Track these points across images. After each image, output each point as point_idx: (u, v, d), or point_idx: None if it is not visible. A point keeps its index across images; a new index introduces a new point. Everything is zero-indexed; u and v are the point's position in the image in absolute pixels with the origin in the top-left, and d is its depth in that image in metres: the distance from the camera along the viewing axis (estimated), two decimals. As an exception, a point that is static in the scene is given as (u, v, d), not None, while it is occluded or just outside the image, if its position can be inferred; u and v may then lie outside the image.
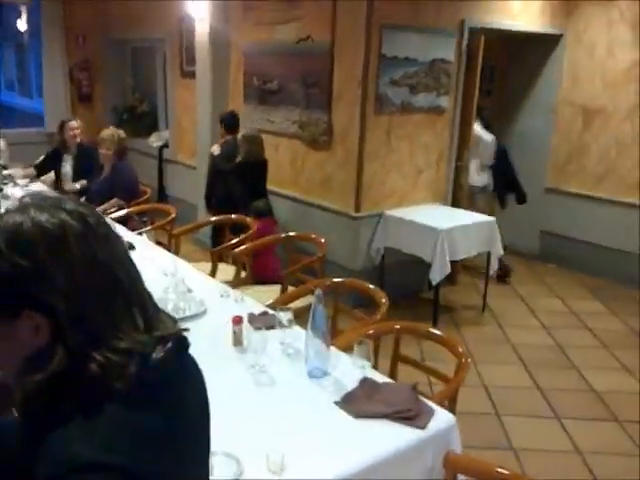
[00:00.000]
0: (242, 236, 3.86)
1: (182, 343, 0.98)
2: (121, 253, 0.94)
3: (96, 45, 7.92)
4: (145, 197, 4.85)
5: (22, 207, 0.87)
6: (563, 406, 3.41)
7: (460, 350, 2.27)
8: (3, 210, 3.02)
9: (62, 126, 5.16)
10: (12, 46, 14.64)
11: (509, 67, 6.15)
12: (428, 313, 4.46)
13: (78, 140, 5.17)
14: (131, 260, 0.96)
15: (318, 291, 2.06)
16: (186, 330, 1.01)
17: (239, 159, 4.77)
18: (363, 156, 4.55)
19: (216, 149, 5.03)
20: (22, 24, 11.76)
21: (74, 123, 5.13)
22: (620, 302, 4.95)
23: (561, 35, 5.67)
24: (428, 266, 4.41)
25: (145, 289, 0.97)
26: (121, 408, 0.84)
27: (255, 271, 3.76)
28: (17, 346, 0.86)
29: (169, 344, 0.92)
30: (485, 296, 4.78)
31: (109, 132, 4.67)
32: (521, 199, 5.45)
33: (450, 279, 4.77)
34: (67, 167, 5.26)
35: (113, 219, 4.05)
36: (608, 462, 2.92)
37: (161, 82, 7.58)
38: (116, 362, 0.84)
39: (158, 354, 0.89)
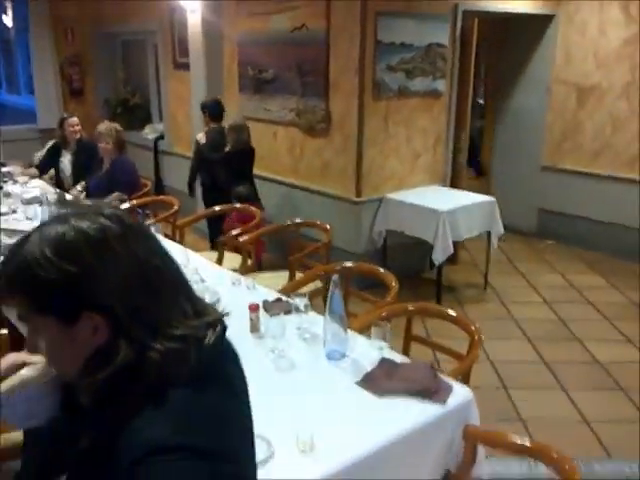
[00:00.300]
0: (249, 224, 3.91)
1: (224, 326, 1.05)
2: (158, 247, 0.99)
3: (85, 39, 7.89)
4: (145, 190, 4.88)
5: (62, 218, 0.92)
6: (568, 378, 3.50)
7: (472, 328, 2.34)
8: (4, 209, 3.04)
9: (62, 122, 5.16)
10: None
11: (503, 48, 6.18)
12: (431, 293, 4.54)
13: (78, 136, 5.17)
14: (168, 252, 1.01)
15: (335, 276, 2.12)
16: (227, 314, 1.07)
17: (227, 148, 4.84)
18: (362, 142, 4.60)
19: (202, 137, 5.07)
20: (8, 20, 11.67)
21: (74, 120, 5.14)
22: (619, 276, 5.04)
23: (553, 15, 5.70)
24: (429, 247, 4.48)
25: (186, 278, 1.03)
26: (185, 391, 0.90)
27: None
28: (79, 347, 0.92)
29: (218, 327, 0.99)
30: (487, 274, 4.86)
31: (105, 126, 4.68)
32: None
33: (451, 259, 4.84)
34: (66, 163, 5.27)
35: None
36: (614, 430, 3.01)
37: (153, 74, 7.56)
38: (175, 349, 0.90)
39: (210, 338, 0.96)
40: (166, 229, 4.25)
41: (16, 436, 2.10)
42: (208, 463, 0.85)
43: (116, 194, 4.49)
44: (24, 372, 1.05)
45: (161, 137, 7.17)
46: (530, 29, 5.86)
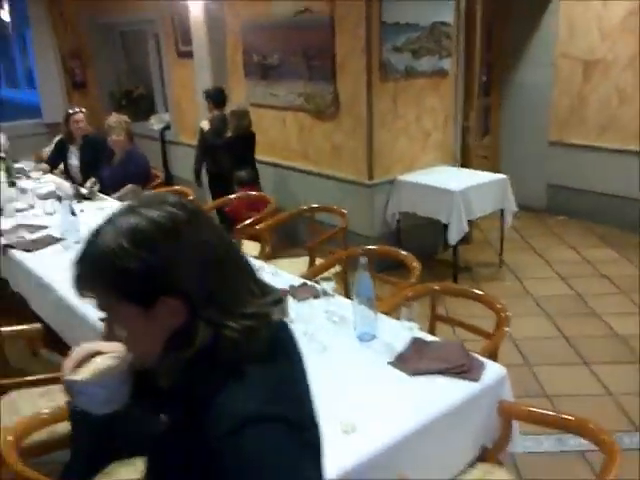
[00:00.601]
0: (263, 212, 3.92)
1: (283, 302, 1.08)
2: (221, 232, 1.03)
3: (85, 31, 7.85)
4: (158, 181, 4.89)
5: (131, 209, 0.95)
6: (590, 352, 3.52)
7: (499, 306, 2.36)
8: (21, 205, 3.06)
9: (67, 118, 5.14)
10: (-6, 38, 14.43)
11: (506, 23, 6.13)
12: (447, 273, 4.56)
13: (83, 131, 5.16)
14: (228, 236, 1.05)
15: (363, 259, 2.13)
16: (286, 292, 1.12)
17: (229, 134, 4.95)
18: (372, 123, 4.59)
19: (206, 124, 5.22)
20: (5, 14, 11.59)
21: (80, 115, 5.11)
22: (632, 248, 5.05)
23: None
24: (442, 227, 4.49)
25: (248, 259, 1.06)
26: (260, 365, 0.94)
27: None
28: (157, 331, 0.95)
29: (282, 304, 1.03)
30: (501, 252, 4.87)
31: (115, 119, 4.67)
32: None
33: (465, 238, 4.84)
34: (73, 158, 5.26)
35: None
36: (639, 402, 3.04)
37: (155, 64, 7.54)
38: (249, 326, 0.94)
39: (277, 315, 1.00)
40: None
41: (62, 428, 2.15)
42: (295, 431, 0.90)
43: (130, 186, 4.50)
44: (99, 361, 1.08)
45: (167, 127, 7.16)
46: (533, 4, 5.82)
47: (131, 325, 0.96)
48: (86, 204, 4.09)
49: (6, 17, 11.57)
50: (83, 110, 5.26)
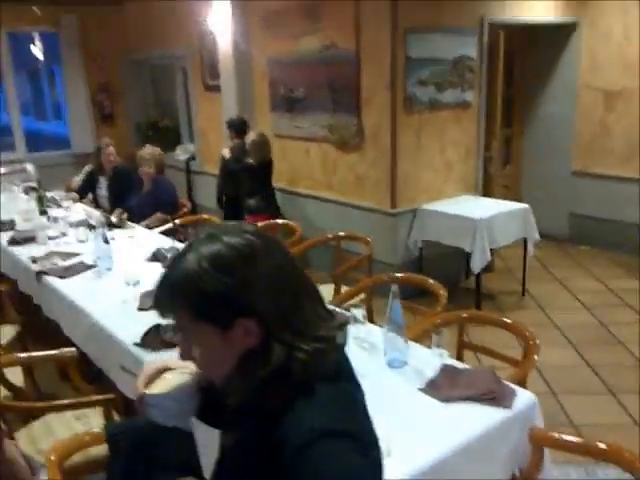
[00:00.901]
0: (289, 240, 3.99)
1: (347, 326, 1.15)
2: (292, 259, 1.10)
3: (114, 66, 8.10)
4: (185, 210, 4.99)
5: (212, 236, 1.03)
6: (615, 381, 3.50)
7: (527, 334, 2.38)
8: (54, 232, 3.16)
9: (98, 151, 5.30)
10: (25, 72, 14.93)
11: (529, 56, 6.22)
12: (469, 301, 4.57)
13: (113, 163, 5.31)
14: (299, 263, 1.11)
15: (394, 286, 2.18)
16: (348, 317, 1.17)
17: (249, 161, 5.16)
18: (396, 154, 4.68)
19: (227, 152, 5.49)
20: (37, 51, 12.00)
21: (111, 149, 5.28)
22: (656, 278, 5.03)
23: (577, 22, 5.75)
24: (465, 256, 4.52)
25: (316, 285, 1.12)
26: (328, 385, 1.00)
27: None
28: (232, 351, 1.02)
29: (345, 329, 1.09)
30: (524, 281, 4.88)
31: (149, 151, 4.82)
32: None
33: (487, 267, 4.87)
34: (103, 188, 5.40)
35: (161, 232, 4.23)
36: (668, 432, 3.01)
37: (182, 97, 7.74)
38: (319, 348, 1.00)
39: (342, 337, 1.07)
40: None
41: (96, 451, 2.20)
42: (361, 447, 0.96)
43: (158, 214, 4.61)
44: (169, 376, 1.16)
45: (192, 158, 7.32)
46: (555, 36, 5.91)
47: (207, 345, 1.02)
48: (116, 232, 4.19)
49: (39, 54, 12.02)
50: (112, 144, 5.41)
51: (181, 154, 7.46)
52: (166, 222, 4.55)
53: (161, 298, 1.04)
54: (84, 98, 7.89)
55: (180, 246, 3.71)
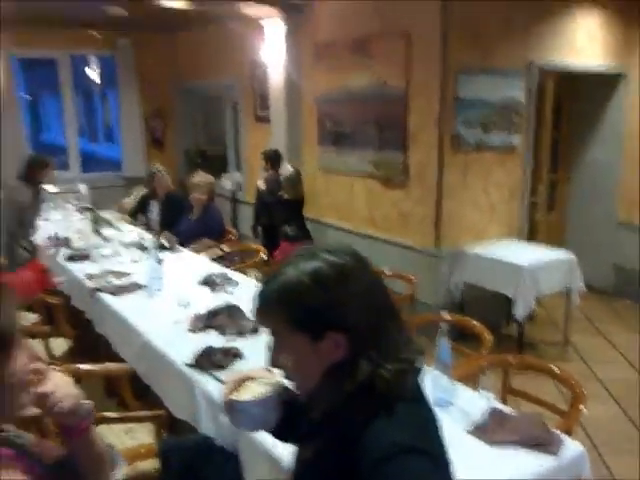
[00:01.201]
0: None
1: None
2: (382, 283, 1.16)
3: (167, 93, 8.40)
4: (231, 237, 5.11)
5: (313, 254, 1.11)
6: (660, 439, 3.42)
7: (574, 382, 2.37)
8: (107, 251, 3.27)
9: (153, 176, 5.49)
10: (79, 94, 15.50)
11: (576, 101, 6.24)
12: (510, 348, 4.50)
13: (166, 189, 5.48)
14: (385, 286, 1.17)
15: (444, 325, 2.22)
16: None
17: (283, 194, 5.41)
18: (441, 193, 4.73)
19: (262, 184, 5.82)
20: (94, 73, 12.49)
21: (166, 176, 5.46)
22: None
23: (625, 71, 5.77)
24: (507, 302, 4.50)
25: (399, 309, 1.18)
26: (408, 405, 1.06)
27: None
28: (319, 362, 1.08)
29: (423, 354, 1.15)
30: (567, 332, 4.82)
31: (201, 178, 4.97)
32: None
33: (529, 315, 4.83)
34: (154, 213, 5.57)
35: (211, 259, 4.33)
36: None
37: (231, 126, 7.97)
38: (402, 369, 1.06)
39: (420, 362, 1.13)
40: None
41: (143, 465, 2.26)
42: (438, 467, 1.02)
43: (206, 240, 4.73)
44: (253, 386, 1.24)
45: (238, 187, 7.48)
46: (603, 83, 5.92)
47: (297, 353, 1.09)
48: (166, 254, 4.32)
49: (95, 77, 12.50)
50: (167, 171, 5.61)
51: (227, 183, 7.63)
52: (213, 248, 4.68)
53: (260, 306, 1.12)
54: (137, 122, 8.19)
55: (229, 272, 3.81)
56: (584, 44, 5.35)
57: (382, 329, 1.09)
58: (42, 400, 1.06)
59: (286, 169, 5.78)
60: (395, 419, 1.03)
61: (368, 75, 5.22)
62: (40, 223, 5.00)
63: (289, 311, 1.07)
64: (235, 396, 1.24)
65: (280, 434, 1.35)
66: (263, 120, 6.73)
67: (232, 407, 1.25)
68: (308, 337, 1.07)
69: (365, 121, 5.33)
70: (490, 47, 4.75)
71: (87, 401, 1.14)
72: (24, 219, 4.59)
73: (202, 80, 7.94)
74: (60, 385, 1.09)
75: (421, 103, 4.79)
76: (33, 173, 4.70)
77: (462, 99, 4.69)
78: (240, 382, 1.28)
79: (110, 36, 7.81)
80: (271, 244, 5.42)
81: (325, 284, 1.06)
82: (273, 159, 5.84)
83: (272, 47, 6.13)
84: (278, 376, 1.28)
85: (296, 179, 5.45)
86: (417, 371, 1.12)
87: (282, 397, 1.26)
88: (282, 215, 5.43)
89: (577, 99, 6.22)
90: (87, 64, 11.92)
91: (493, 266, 4.55)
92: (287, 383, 1.28)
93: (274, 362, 1.15)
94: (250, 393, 1.24)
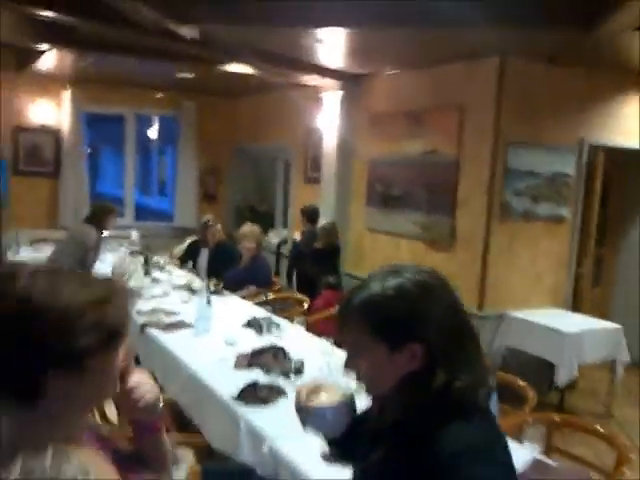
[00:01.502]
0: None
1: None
2: (460, 301, 1.23)
3: (224, 153, 8.78)
4: (277, 287, 5.23)
5: (395, 271, 1.20)
6: None
7: (620, 442, 2.34)
8: (157, 291, 3.41)
9: (205, 226, 5.71)
10: (138, 149, 16.35)
11: (627, 177, 6.26)
12: (551, 417, 4.42)
13: (217, 239, 5.68)
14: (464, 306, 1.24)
15: (492, 380, 2.23)
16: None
17: (318, 245, 5.73)
18: (487, 258, 4.77)
19: (298, 236, 6.26)
20: (153, 132, 13.20)
21: (218, 227, 5.69)
22: None
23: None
24: (549, 368, 4.43)
25: (476, 329, 1.24)
26: (479, 416, 1.12)
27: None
28: (395, 371, 1.16)
29: (494, 373, 1.22)
30: (610, 404, 4.68)
31: (250, 228, 5.16)
32: None
33: (571, 383, 4.73)
34: (203, 259, 5.76)
35: (255, 304, 4.44)
36: None
37: (280, 186, 8.25)
38: (476, 382, 1.13)
39: (492, 381, 1.21)
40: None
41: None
42: (510, 477, 1.08)
43: (252, 288, 4.85)
44: (324, 393, 1.33)
45: (284, 242, 7.66)
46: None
47: (375, 360, 1.16)
48: (213, 298, 4.44)
49: (154, 135, 13.17)
50: (218, 222, 5.83)
51: (273, 237, 7.83)
52: (258, 295, 4.79)
53: (343, 313, 1.20)
54: (192, 177, 8.54)
55: (274, 317, 3.90)
56: (636, 127, 5.41)
57: (460, 344, 1.15)
58: (127, 394, 1.11)
59: (322, 222, 6.08)
60: (470, 425, 1.09)
61: (420, 143, 5.39)
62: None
63: (371, 320, 1.15)
64: (310, 401, 1.33)
65: (341, 444, 1.40)
66: (313, 181, 6.96)
67: (307, 411, 1.33)
68: (387, 347, 1.14)
69: (415, 185, 5.46)
70: (542, 122, 4.87)
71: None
72: (86, 259, 4.82)
73: (258, 141, 8.30)
74: (143, 381, 1.14)
75: (472, 171, 4.91)
76: (99, 218, 4.99)
77: (512, 170, 4.79)
78: (312, 390, 1.36)
79: (175, 97, 8.29)
80: (305, 293, 5.45)
81: (408, 297, 1.13)
82: (310, 214, 6.17)
83: (328, 114, 6.42)
84: (345, 388, 1.38)
85: (331, 229, 5.78)
86: (489, 387, 1.17)
87: (352, 406, 1.34)
88: (317, 265, 5.62)
89: (628, 176, 6.25)
90: (148, 122, 12.66)
91: (537, 331, 4.52)
92: (355, 391, 1.36)
93: (350, 367, 1.21)
94: (324, 399, 1.32)
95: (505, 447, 1.13)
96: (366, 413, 1.38)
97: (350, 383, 1.37)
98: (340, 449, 1.42)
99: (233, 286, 4.93)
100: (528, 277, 5.01)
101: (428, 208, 5.32)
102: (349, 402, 1.34)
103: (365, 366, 1.18)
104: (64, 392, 0.90)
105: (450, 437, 1.06)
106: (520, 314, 4.75)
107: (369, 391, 1.23)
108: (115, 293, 0.98)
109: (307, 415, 1.34)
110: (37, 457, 0.87)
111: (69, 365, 0.89)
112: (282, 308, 4.80)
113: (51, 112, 7.66)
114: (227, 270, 5.20)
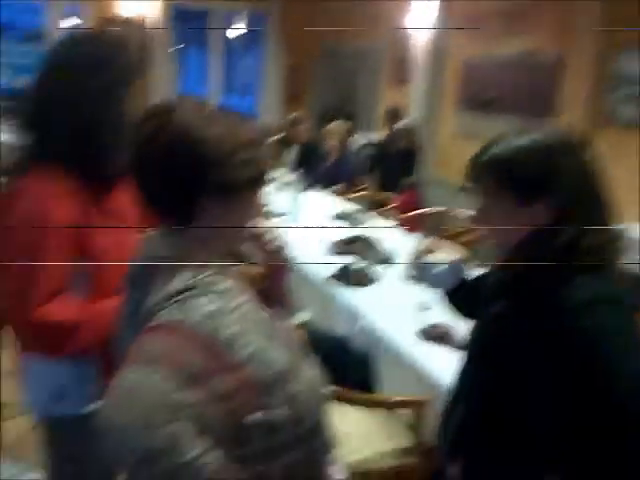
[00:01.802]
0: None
1: None
2: (595, 168, 1.17)
3: (311, 53, 8.59)
4: (364, 185, 5.26)
5: (525, 130, 1.19)
6: None
7: None
8: None
9: (294, 121, 5.69)
10: (223, 49, 16.22)
11: None
12: None
13: (304, 136, 5.69)
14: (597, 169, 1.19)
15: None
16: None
17: (398, 145, 5.57)
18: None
19: (378, 136, 6.22)
20: (239, 29, 12.98)
21: (307, 124, 5.66)
22: None
23: None
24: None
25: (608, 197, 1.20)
26: (602, 275, 1.11)
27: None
28: (523, 223, 1.15)
29: (622, 244, 1.18)
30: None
31: (337, 126, 5.12)
32: None
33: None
34: (292, 155, 5.80)
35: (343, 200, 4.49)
36: None
37: (367, 86, 8.04)
38: (604, 242, 1.12)
39: (619, 252, 1.16)
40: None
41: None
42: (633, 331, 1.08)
43: (341, 185, 4.89)
44: (439, 252, 1.42)
45: (370, 143, 7.58)
46: None
47: (505, 213, 1.16)
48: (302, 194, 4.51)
49: (239, 32, 12.94)
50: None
51: (360, 138, 7.73)
52: (346, 193, 4.83)
53: (476, 164, 1.22)
54: (277, 77, 8.48)
55: (362, 210, 3.95)
56: None
57: (590, 205, 1.13)
58: (261, 235, 1.17)
59: (401, 123, 5.91)
60: (594, 278, 1.09)
61: (519, 42, 5.10)
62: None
63: (504, 174, 1.14)
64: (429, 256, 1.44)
65: (460, 299, 1.46)
66: (402, 83, 6.75)
67: (425, 266, 1.43)
68: (517, 200, 1.14)
69: (512, 88, 5.22)
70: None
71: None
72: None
73: (346, 40, 8.05)
74: (273, 230, 1.20)
75: (575, 74, 4.63)
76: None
77: (621, 75, 4.46)
78: (429, 248, 1.45)
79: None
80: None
81: (542, 154, 1.13)
82: (392, 115, 6.03)
83: (420, 14, 6.12)
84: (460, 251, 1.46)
85: (411, 130, 5.61)
86: (619, 246, 1.15)
87: (466, 265, 1.43)
88: (397, 165, 5.53)
89: None
90: (234, 19, 12.43)
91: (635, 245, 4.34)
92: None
93: (478, 220, 1.22)
94: (442, 255, 1.43)
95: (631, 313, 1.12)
96: (485, 275, 1.41)
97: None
98: (459, 303, 1.46)
99: (321, 183, 4.98)
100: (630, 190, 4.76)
101: (524, 113, 5.09)
102: (466, 260, 1.44)
103: (493, 220, 1.18)
104: (213, 218, 0.96)
105: (575, 289, 1.07)
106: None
107: (497, 245, 1.24)
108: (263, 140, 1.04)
109: (424, 269, 1.42)
110: (195, 270, 0.95)
111: (221, 193, 0.95)
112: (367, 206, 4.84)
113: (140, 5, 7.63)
114: (314, 167, 5.24)
